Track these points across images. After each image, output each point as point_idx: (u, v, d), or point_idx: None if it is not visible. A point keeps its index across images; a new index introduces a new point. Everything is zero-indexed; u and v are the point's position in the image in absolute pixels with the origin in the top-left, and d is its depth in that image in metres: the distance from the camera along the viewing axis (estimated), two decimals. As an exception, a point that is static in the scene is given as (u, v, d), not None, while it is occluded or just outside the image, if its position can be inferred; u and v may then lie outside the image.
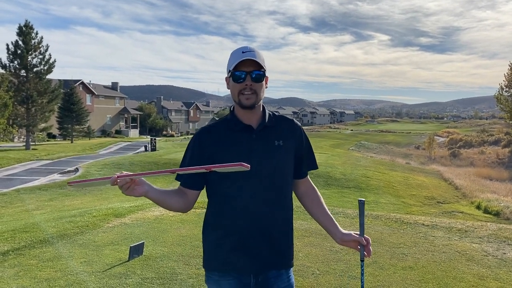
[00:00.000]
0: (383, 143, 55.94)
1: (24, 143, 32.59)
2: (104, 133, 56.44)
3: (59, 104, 38.59)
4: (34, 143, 33.76)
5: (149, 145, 33.25)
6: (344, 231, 2.01)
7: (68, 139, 42.29)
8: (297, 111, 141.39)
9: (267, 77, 1.91)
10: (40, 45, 32.42)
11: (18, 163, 23.17)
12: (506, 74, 42.88)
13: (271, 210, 1.89)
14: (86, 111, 44.74)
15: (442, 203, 16.33)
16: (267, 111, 1.97)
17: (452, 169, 30.79)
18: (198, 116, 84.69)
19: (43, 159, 25.27)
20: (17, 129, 32.12)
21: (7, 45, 31.46)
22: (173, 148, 34.46)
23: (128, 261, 4.77)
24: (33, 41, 32.04)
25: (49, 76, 33.43)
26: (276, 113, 2.03)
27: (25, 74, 32.03)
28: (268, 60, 1.93)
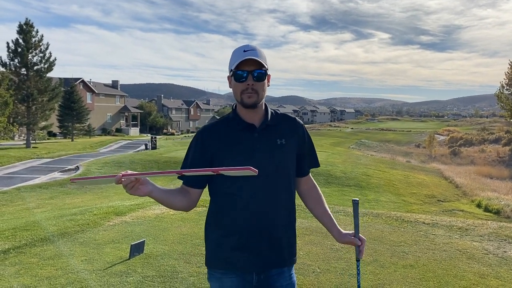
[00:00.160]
0: (384, 142, 55.88)
1: (25, 142, 32.60)
2: (104, 131, 56.43)
3: (59, 103, 38.56)
4: (34, 142, 33.76)
5: (150, 144, 33.26)
6: (342, 231, 2.02)
7: (68, 138, 42.28)
8: (297, 109, 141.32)
9: (269, 75, 1.91)
10: (41, 43, 32.40)
11: (19, 162, 23.18)
12: (506, 73, 42.82)
13: (273, 209, 1.89)
14: (86, 109, 44.72)
15: (442, 201, 16.32)
16: (269, 110, 1.97)
17: (452, 167, 30.78)
18: (198, 114, 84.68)
19: (43, 158, 25.29)
20: (17, 127, 32.11)
21: (8, 43, 31.46)
22: (174, 147, 34.46)
23: (128, 259, 4.77)
24: (33, 39, 32.01)
25: (49, 75, 33.42)
26: (278, 111, 2.03)
27: (25, 72, 32.01)
28: (269, 58, 1.93)
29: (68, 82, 44.18)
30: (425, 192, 17.66)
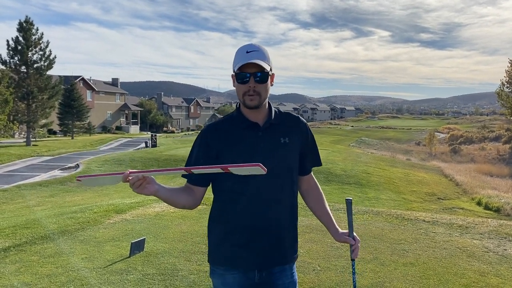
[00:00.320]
0: (384, 139, 55.87)
1: (25, 139, 32.61)
2: (104, 129, 56.41)
3: (59, 100, 38.53)
4: (34, 139, 33.78)
5: (150, 141, 33.26)
6: (339, 230, 2.05)
7: (68, 135, 42.29)
8: (297, 107, 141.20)
9: (272, 75, 1.91)
10: (41, 41, 32.38)
11: (19, 159, 23.19)
12: (507, 70, 42.78)
13: (276, 207, 1.91)
14: (86, 107, 44.70)
15: (442, 199, 16.33)
16: (273, 108, 1.98)
17: (452, 165, 30.78)
18: (198, 112, 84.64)
19: (43, 155, 25.29)
20: (17, 125, 32.10)
21: (8, 41, 31.46)
22: (174, 145, 34.46)
23: (129, 257, 4.77)
24: (33, 37, 32.00)
25: (49, 72, 33.41)
26: (281, 110, 2.04)
27: (25, 70, 32.02)
28: (269, 56, 1.92)
29: (68, 80, 44.15)
30: (425, 190, 17.67)
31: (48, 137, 39.74)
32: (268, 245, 1.90)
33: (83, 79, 54.15)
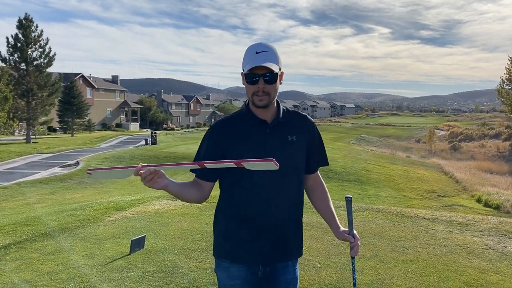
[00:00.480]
0: (384, 137, 55.89)
1: (25, 137, 32.59)
2: (104, 126, 56.38)
3: (59, 98, 38.50)
4: (34, 137, 33.75)
5: (150, 139, 33.25)
6: (339, 228, 2.07)
7: (68, 133, 42.26)
8: (297, 104, 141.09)
9: (282, 73, 1.93)
10: (40, 38, 32.31)
11: (19, 157, 23.19)
12: (507, 68, 42.74)
13: (282, 204, 1.93)
14: (86, 104, 44.65)
15: (442, 196, 16.35)
16: (281, 106, 2.00)
17: (452, 162, 30.79)
18: (198, 109, 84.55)
19: (43, 153, 25.30)
20: (17, 122, 32.09)
21: (7, 38, 31.37)
22: (174, 142, 34.47)
23: (129, 254, 4.77)
24: (33, 34, 31.92)
25: (49, 70, 33.36)
26: (290, 109, 2.06)
27: (25, 68, 31.95)
28: (279, 55, 1.93)
29: (68, 77, 44.08)
30: (425, 187, 17.69)
31: (48, 134, 39.71)
32: (273, 240, 1.93)
33: (82, 76, 54.06)
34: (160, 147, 27.62)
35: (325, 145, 2.16)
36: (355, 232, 2.03)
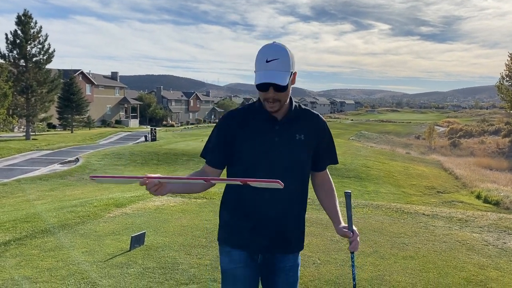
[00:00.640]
0: (383, 133, 55.88)
1: (24, 133, 32.57)
2: (104, 123, 56.35)
3: (58, 94, 38.47)
4: (34, 133, 33.75)
5: (149, 135, 33.24)
6: (341, 225, 2.08)
7: (68, 129, 42.25)
8: (297, 101, 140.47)
9: (295, 73, 1.92)
10: (39, 35, 32.25)
11: (19, 153, 23.19)
12: (506, 64, 42.69)
13: (284, 200, 1.97)
14: (86, 101, 44.61)
15: (442, 193, 16.37)
16: (294, 103, 2.02)
17: (452, 159, 30.82)
18: (198, 106, 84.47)
19: (43, 149, 25.29)
20: (17, 119, 32.06)
21: (6, 34, 31.33)
22: (173, 138, 34.45)
23: (129, 251, 4.78)
24: (32, 31, 31.87)
25: (48, 66, 33.32)
26: (302, 106, 2.08)
27: (24, 64, 31.91)
28: (292, 56, 1.91)
29: (67, 74, 44.02)
30: (424, 184, 17.70)
31: (47, 131, 39.70)
32: (272, 235, 1.98)
33: (82, 72, 53.98)
34: (160, 144, 27.60)
35: None
36: (354, 228, 2.04)
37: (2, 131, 33.75)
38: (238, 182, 1.64)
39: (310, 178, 2.11)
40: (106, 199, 7.93)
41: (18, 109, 31.71)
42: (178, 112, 77.41)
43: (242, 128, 1.95)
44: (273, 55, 1.82)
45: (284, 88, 1.84)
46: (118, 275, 4.07)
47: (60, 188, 13.95)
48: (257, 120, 1.96)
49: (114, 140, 34.55)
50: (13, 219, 6.51)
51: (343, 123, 67.82)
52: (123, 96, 64.22)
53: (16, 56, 31.59)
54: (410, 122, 74.65)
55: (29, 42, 31.64)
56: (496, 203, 14.47)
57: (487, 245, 5.24)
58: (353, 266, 2.12)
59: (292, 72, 1.87)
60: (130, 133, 43.34)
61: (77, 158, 20.95)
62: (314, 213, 6.23)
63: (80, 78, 52.08)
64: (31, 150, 24.59)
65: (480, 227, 6.09)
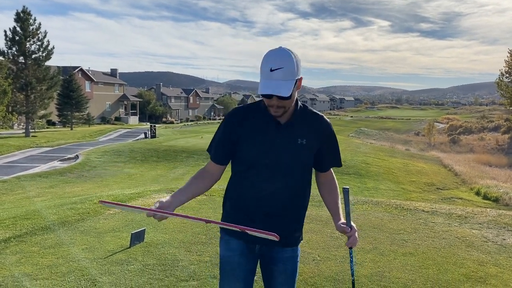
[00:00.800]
0: (383, 130, 55.89)
1: (24, 130, 32.55)
2: (103, 120, 56.31)
3: (58, 91, 38.43)
4: (33, 130, 33.72)
5: (149, 132, 33.24)
6: (340, 221, 2.12)
7: (67, 126, 42.24)
8: (303, 102, 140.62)
9: (300, 78, 1.88)
10: (38, 32, 32.17)
11: (18, 150, 23.18)
12: (506, 60, 42.68)
13: (286, 198, 2.00)
14: (85, 98, 44.58)
15: (441, 189, 16.38)
16: (299, 104, 2.01)
17: (451, 155, 30.84)
18: (197, 103, 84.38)
19: (43, 146, 25.28)
20: (16, 116, 32.05)
21: (5, 31, 31.25)
22: (173, 135, 34.46)
23: (129, 247, 4.78)
24: (31, 27, 31.79)
25: (47, 63, 33.27)
26: (308, 107, 2.06)
27: (23, 61, 31.85)
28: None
29: (67, 71, 43.94)
30: (424, 180, 17.72)
31: (47, 128, 39.67)
32: (271, 229, 1.96)
33: (81, 69, 53.89)
34: (160, 141, 27.60)
35: None
36: (352, 223, 2.06)
37: (2, 128, 33.75)
38: (237, 229, 1.71)
39: (314, 176, 2.13)
40: (106, 196, 7.94)
41: (18, 106, 31.68)
42: (178, 109, 77.34)
43: (246, 126, 1.97)
44: (278, 64, 1.78)
45: (289, 97, 1.83)
46: (118, 272, 4.07)
47: (60, 185, 13.96)
48: (261, 120, 1.96)
49: (113, 137, 34.54)
50: (13, 216, 6.51)
51: (342, 120, 67.82)
52: (122, 93, 64.15)
53: (15, 53, 31.53)
54: (409, 119, 74.66)
55: (28, 39, 31.57)
56: (496, 200, 14.49)
57: (486, 242, 5.25)
58: (351, 261, 2.15)
59: (297, 79, 1.84)
60: (129, 130, 43.32)
61: (76, 155, 20.95)
62: (314, 210, 6.23)
63: (80, 75, 52.01)
64: (30, 147, 24.58)
65: (480, 224, 6.10)
